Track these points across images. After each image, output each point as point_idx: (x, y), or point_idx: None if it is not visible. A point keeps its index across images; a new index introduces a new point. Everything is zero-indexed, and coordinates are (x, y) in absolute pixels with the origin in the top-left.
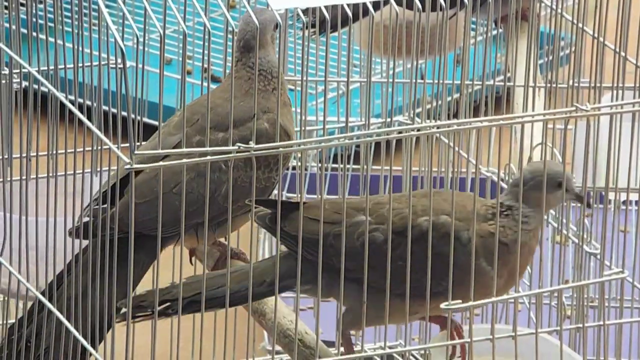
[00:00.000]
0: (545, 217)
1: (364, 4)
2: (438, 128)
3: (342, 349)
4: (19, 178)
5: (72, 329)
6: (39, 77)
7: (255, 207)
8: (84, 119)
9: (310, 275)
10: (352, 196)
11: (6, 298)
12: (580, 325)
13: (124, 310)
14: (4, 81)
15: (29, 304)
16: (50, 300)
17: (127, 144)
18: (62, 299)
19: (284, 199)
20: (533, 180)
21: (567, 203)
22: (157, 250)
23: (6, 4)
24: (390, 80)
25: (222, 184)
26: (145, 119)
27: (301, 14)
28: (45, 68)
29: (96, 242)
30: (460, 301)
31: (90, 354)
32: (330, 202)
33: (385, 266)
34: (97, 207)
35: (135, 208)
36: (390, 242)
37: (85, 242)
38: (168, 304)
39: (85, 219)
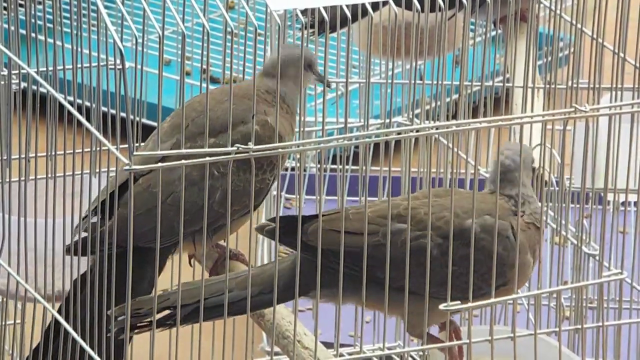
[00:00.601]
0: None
1: (363, 5)
2: (437, 129)
3: (340, 350)
4: (18, 179)
5: (93, 354)
6: (38, 78)
7: (267, 224)
8: (83, 120)
9: (329, 282)
10: (370, 202)
11: (5, 299)
12: (579, 327)
13: (121, 317)
14: (3, 82)
15: (28, 305)
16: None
17: (126, 145)
18: (77, 320)
19: (282, 199)
20: (516, 163)
21: (564, 203)
22: (156, 259)
23: (5, 4)
24: (389, 81)
25: (216, 190)
26: (144, 120)
27: (300, 14)
28: (44, 69)
29: (99, 257)
30: (459, 302)
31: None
32: (353, 212)
33: (434, 272)
34: (93, 220)
35: (127, 222)
36: (440, 247)
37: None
38: (167, 312)
39: (83, 234)
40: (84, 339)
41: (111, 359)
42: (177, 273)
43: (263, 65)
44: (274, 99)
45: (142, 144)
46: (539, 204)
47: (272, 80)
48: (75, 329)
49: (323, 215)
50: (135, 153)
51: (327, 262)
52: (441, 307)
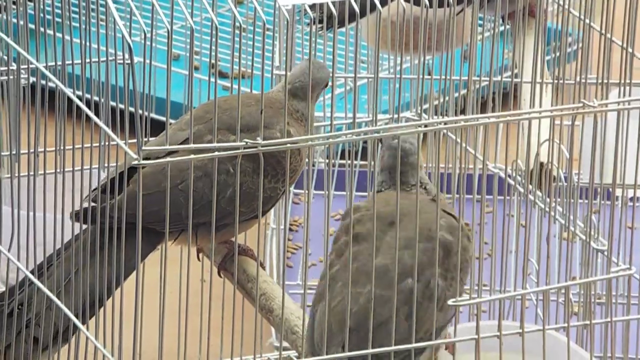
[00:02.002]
0: (553, 213)
1: (371, 0)
2: (445, 124)
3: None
4: (26, 174)
5: (60, 304)
6: (47, 72)
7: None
8: (92, 114)
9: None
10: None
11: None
12: (588, 322)
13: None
14: (12, 77)
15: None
16: (41, 275)
17: (135, 140)
18: (53, 276)
19: (291, 195)
20: (414, 145)
21: (573, 199)
22: (165, 244)
23: None
24: (398, 76)
25: (228, 187)
26: (153, 115)
27: (308, 9)
28: (53, 64)
29: (95, 228)
30: (467, 297)
31: (80, 330)
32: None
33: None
34: (98, 194)
35: (137, 198)
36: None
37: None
38: None
39: (87, 204)
40: (59, 296)
41: (86, 316)
42: (186, 268)
43: (289, 81)
44: (301, 115)
45: (155, 137)
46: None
47: (301, 103)
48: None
49: None
50: (143, 148)
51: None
52: (450, 302)
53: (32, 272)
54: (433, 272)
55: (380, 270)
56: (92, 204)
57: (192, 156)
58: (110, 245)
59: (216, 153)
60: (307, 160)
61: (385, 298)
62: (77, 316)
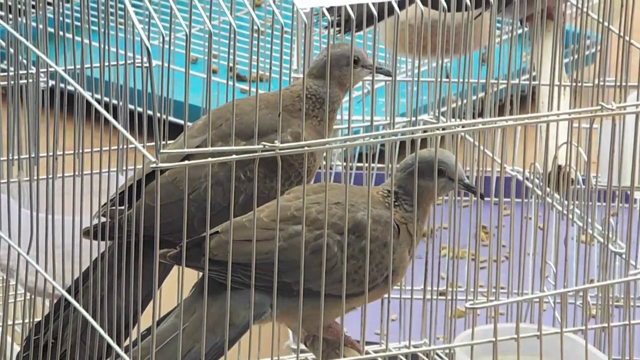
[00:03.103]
0: (571, 216)
1: (389, 3)
2: (463, 127)
3: (366, 347)
4: (45, 177)
5: (97, 326)
6: (66, 76)
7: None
8: (110, 117)
9: (263, 302)
10: (259, 207)
11: (32, 296)
12: (606, 325)
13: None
14: (31, 80)
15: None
16: (75, 298)
17: (153, 143)
18: (86, 298)
19: None
20: (411, 167)
21: (591, 201)
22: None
23: (33, 3)
24: (416, 79)
25: (240, 194)
26: (171, 118)
27: (326, 12)
28: (72, 67)
29: (117, 243)
30: (485, 299)
31: (117, 355)
32: (247, 219)
33: (336, 268)
34: (113, 207)
35: (150, 211)
36: (339, 243)
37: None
38: None
39: (102, 219)
40: (93, 318)
41: (121, 337)
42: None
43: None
44: (315, 106)
45: (172, 141)
46: (422, 217)
47: (317, 82)
48: (84, 308)
49: (217, 233)
50: (161, 151)
51: (243, 279)
52: (467, 305)
53: (67, 290)
54: (330, 234)
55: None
56: (105, 218)
57: (210, 159)
58: (131, 263)
59: (234, 156)
60: (324, 162)
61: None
62: (113, 338)
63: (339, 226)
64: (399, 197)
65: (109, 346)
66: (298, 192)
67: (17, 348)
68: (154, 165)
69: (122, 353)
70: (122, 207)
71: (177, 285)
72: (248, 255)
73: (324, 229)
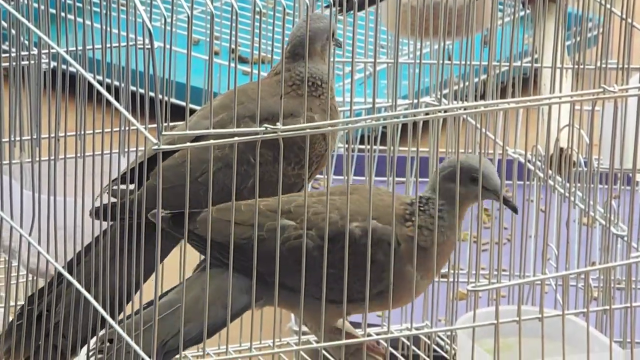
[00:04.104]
0: (573, 198)
1: None
2: (465, 109)
3: (368, 330)
4: (47, 158)
5: (91, 298)
6: (68, 57)
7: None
8: (112, 99)
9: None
10: (266, 198)
11: (35, 277)
12: (607, 307)
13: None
14: (33, 62)
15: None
16: (70, 273)
17: (155, 125)
18: (82, 273)
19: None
20: (446, 170)
21: (592, 184)
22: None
23: None
24: (418, 61)
25: (249, 178)
26: (173, 100)
27: None
28: (74, 48)
29: (120, 224)
30: (486, 282)
31: (110, 325)
32: (245, 204)
33: (314, 273)
34: (118, 187)
35: (157, 191)
36: (320, 248)
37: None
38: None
39: (107, 200)
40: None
41: (115, 311)
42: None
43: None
44: (317, 88)
45: (174, 123)
46: (457, 222)
47: (302, 63)
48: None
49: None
50: (163, 133)
51: (221, 258)
52: (469, 287)
53: (63, 267)
54: (313, 236)
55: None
56: (112, 199)
57: (212, 141)
58: (132, 241)
59: (236, 138)
60: (332, 143)
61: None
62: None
63: (324, 231)
64: (429, 201)
65: (102, 320)
66: (333, 191)
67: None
68: (156, 147)
69: (114, 324)
70: (127, 188)
71: (178, 267)
72: (227, 237)
73: (311, 230)
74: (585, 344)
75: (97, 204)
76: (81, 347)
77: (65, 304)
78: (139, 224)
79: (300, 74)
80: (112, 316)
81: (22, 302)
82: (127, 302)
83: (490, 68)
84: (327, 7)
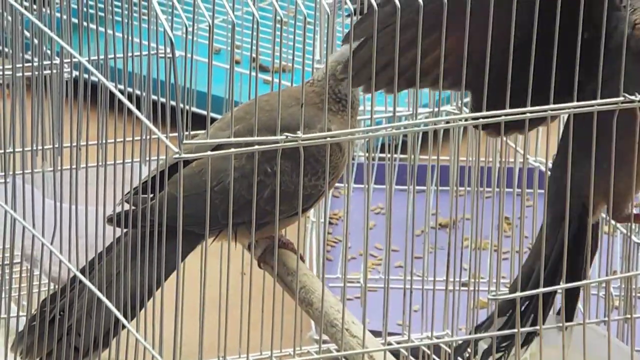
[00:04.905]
0: None
1: None
2: (486, 118)
3: (389, 338)
4: (69, 167)
5: (104, 299)
6: (89, 66)
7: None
8: (134, 108)
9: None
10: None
11: (56, 286)
12: (629, 316)
13: None
14: (55, 71)
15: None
16: (85, 277)
17: (176, 134)
18: (96, 277)
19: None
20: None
21: None
22: (205, 241)
23: None
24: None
25: (266, 187)
26: (194, 109)
27: (349, 2)
28: (96, 58)
29: (136, 231)
30: (507, 290)
31: (123, 327)
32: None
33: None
34: (139, 195)
35: (175, 201)
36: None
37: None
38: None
39: (126, 207)
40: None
41: (128, 314)
42: (227, 262)
43: (330, 66)
44: (342, 107)
45: (195, 132)
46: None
47: (344, 85)
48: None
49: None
50: (184, 142)
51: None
52: (490, 296)
53: (81, 271)
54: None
55: None
56: (130, 207)
57: (233, 150)
58: (150, 247)
59: (256, 147)
60: (348, 155)
61: None
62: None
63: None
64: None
65: (116, 323)
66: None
67: None
68: (177, 156)
69: (129, 326)
70: (147, 196)
71: (199, 277)
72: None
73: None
74: (607, 352)
75: (116, 211)
76: (104, 345)
77: (79, 307)
78: (160, 232)
79: (339, 93)
80: (126, 318)
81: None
82: (140, 308)
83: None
84: (347, 16)
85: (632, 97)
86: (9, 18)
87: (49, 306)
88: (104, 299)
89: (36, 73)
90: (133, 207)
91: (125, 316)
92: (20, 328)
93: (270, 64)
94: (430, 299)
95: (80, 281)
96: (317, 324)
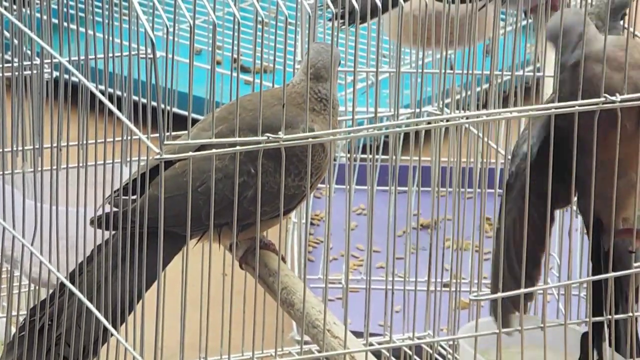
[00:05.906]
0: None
1: None
2: (467, 118)
3: (370, 339)
4: (49, 168)
5: (93, 309)
6: (70, 67)
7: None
8: (114, 109)
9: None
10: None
11: (37, 287)
12: (610, 317)
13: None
14: (35, 71)
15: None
16: (72, 284)
17: (157, 135)
18: (84, 284)
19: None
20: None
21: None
22: (187, 243)
23: None
24: (420, 70)
25: (249, 189)
26: (175, 109)
27: (330, 4)
28: (76, 58)
29: (118, 234)
30: (489, 291)
31: (111, 335)
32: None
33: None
34: (121, 197)
35: (157, 202)
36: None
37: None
38: None
39: (108, 209)
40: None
41: (117, 321)
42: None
43: (308, 67)
44: (324, 106)
45: (176, 132)
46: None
47: (324, 85)
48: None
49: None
50: (165, 142)
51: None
52: (471, 296)
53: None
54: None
55: None
56: (113, 208)
57: (214, 150)
58: (134, 251)
59: (237, 147)
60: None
61: None
62: (109, 321)
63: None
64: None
65: (105, 331)
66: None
67: None
68: (158, 156)
69: (117, 335)
70: (128, 198)
71: (180, 277)
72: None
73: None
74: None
75: (98, 213)
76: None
77: (68, 316)
78: (140, 233)
79: (319, 92)
80: (114, 325)
81: (24, 312)
82: (129, 312)
83: (493, 77)
84: (329, 20)
85: (613, 98)
86: None
87: (38, 315)
88: (93, 309)
89: (16, 73)
90: (115, 209)
91: (114, 323)
92: (0, 329)
93: (251, 65)
94: (412, 300)
95: (66, 288)
96: (299, 324)
